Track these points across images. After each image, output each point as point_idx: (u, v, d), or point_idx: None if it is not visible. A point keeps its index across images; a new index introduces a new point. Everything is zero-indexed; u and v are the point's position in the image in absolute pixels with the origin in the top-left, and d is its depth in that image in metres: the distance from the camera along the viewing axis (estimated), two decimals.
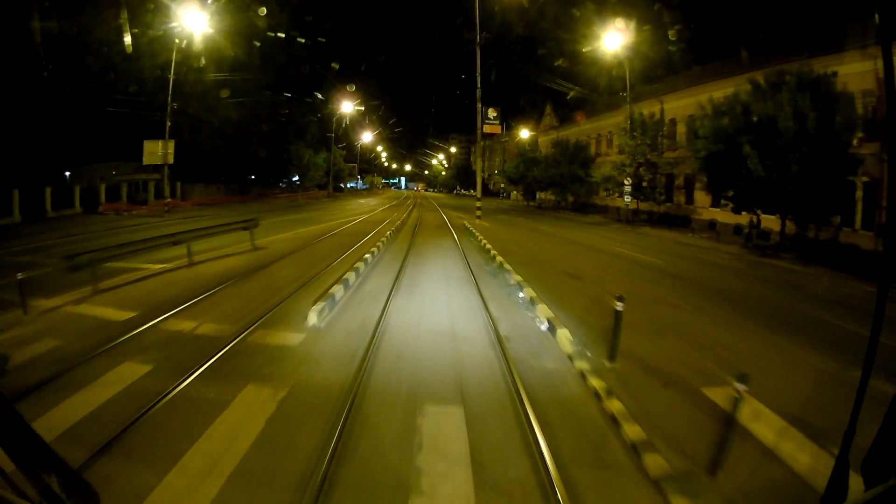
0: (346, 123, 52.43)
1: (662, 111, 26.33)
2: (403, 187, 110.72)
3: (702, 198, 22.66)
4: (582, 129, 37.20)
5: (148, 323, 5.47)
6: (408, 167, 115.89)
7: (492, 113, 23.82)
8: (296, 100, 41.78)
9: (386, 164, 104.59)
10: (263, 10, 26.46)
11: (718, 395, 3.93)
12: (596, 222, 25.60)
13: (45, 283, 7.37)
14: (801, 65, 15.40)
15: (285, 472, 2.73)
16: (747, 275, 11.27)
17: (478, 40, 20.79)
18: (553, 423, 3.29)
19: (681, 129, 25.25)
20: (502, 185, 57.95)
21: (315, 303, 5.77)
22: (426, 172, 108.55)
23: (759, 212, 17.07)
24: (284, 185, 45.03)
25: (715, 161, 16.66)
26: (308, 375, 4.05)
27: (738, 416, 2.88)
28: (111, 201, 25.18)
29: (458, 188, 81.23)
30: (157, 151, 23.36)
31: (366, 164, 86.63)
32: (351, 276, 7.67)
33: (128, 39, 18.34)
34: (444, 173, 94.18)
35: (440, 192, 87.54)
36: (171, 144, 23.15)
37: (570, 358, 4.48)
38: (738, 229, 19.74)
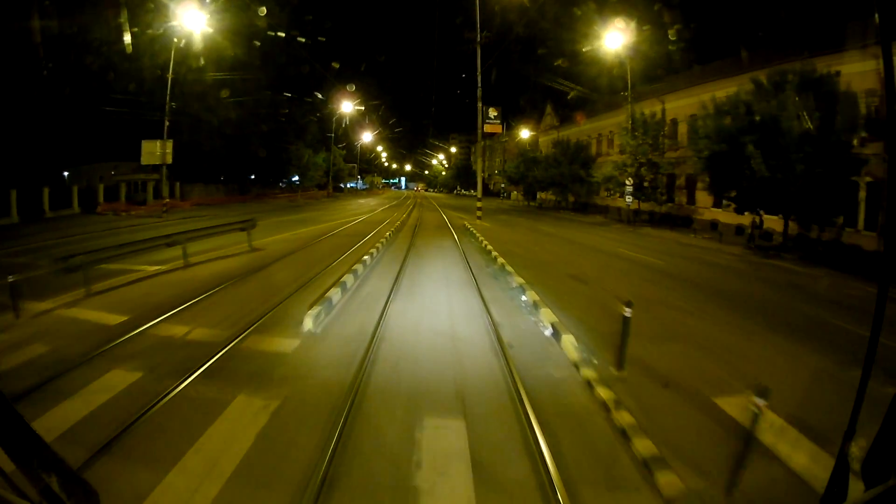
0: (345, 123, 52.30)
1: (664, 111, 26.17)
2: (403, 187, 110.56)
3: (703, 198, 22.51)
4: (582, 128, 37.03)
5: (140, 327, 5.32)
6: (408, 167, 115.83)
7: (492, 112, 23.66)
8: (296, 100, 41.66)
9: (386, 164, 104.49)
10: (263, 10, 26.34)
11: (731, 406, 3.77)
12: (597, 223, 25.44)
13: (38, 285, 7.23)
14: (803, 64, 15.27)
15: (276, 495, 2.56)
16: (751, 276, 11.14)
17: (478, 39, 20.64)
18: (560, 438, 3.13)
19: (682, 128, 25.11)
20: (503, 186, 57.80)
21: (311, 307, 5.59)
22: (426, 172, 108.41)
23: (761, 212, 16.93)
24: (284, 185, 44.86)
25: (718, 161, 16.51)
26: (302, 385, 3.89)
27: (757, 431, 2.71)
28: (110, 201, 25.04)
29: (458, 188, 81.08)
30: (156, 151, 23.21)
31: (366, 164, 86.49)
32: (349, 278, 7.51)
33: (127, 39, 18.19)
34: (444, 173, 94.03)
35: (440, 192, 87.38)
36: (170, 144, 23.00)
37: (576, 366, 4.32)
38: (740, 230, 19.60)
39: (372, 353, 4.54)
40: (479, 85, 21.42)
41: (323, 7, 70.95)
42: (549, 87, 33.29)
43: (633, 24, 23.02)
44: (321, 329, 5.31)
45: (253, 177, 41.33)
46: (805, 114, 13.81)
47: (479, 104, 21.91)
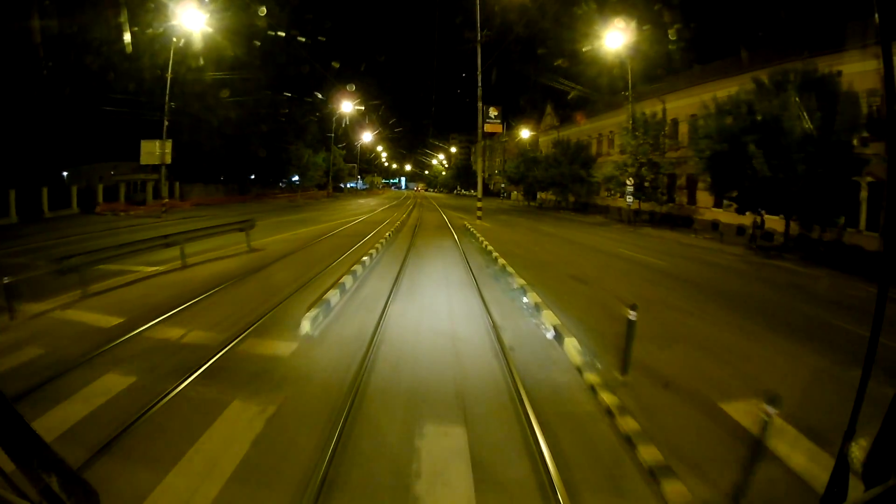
0: (345, 123, 52.23)
1: (664, 111, 26.08)
2: (403, 187, 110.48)
3: (704, 198, 22.43)
4: (582, 128, 36.95)
5: (135, 330, 5.24)
6: (408, 167, 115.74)
7: (493, 112, 23.56)
8: (296, 99, 41.59)
9: (386, 164, 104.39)
10: (263, 10, 26.29)
11: (736, 411, 3.69)
12: (597, 223, 25.36)
13: (35, 286, 7.16)
14: (805, 63, 15.20)
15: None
16: (753, 277, 11.06)
17: (478, 38, 20.55)
18: (563, 445, 3.05)
19: (683, 128, 25.04)
20: (503, 186, 57.72)
21: (309, 309, 5.51)
22: (426, 172, 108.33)
23: (762, 212, 16.85)
24: (284, 186, 44.76)
25: (719, 161, 16.43)
26: (298, 391, 3.80)
27: (767, 440, 2.63)
28: (109, 201, 24.96)
29: (458, 188, 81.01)
30: (155, 151, 23.12)
31: (366, 164, 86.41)
32: (348, 279, 7.42)
33: (127, 38, 18.14)
34: (444, 173, 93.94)
35: (440, 192, 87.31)
36: (169, 144, 22.91)
37: (579, 370, 4.23)
38: (741, 230, 19.53)
39: (370, 357, 4.46)
40: (480, 84, 21.36)
41: (323, 7, 70.94)
42: (550, 87, 33.22)
43: (633, 24, 22.97)
44: (319, 332, 5.22)
45: (253, 177, 41.24)
46: (806, 113, 13.74)
47: (480, 104, 21.83)
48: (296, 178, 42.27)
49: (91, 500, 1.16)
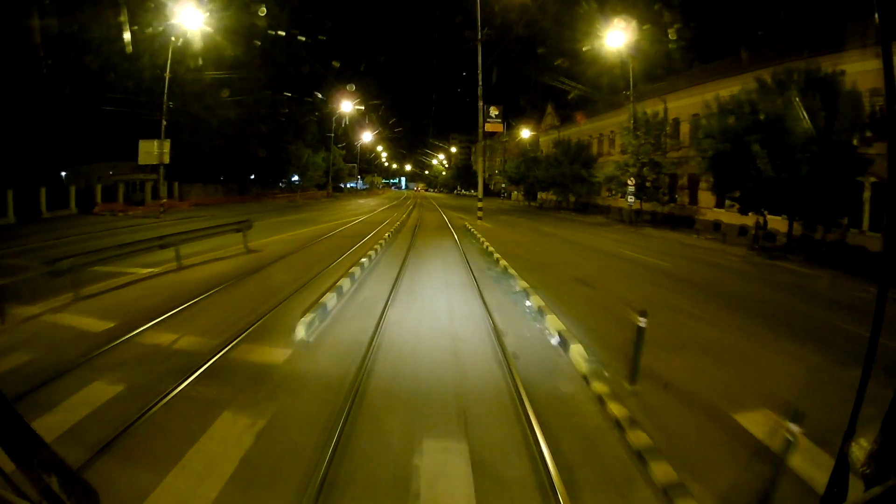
0: (345, 123, 52.08)
1: (666, 110, 25.90)
2: (404, 187, 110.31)
3: (706, 198, 22.27)
4: (583, 128, 36.78)
5: (125, 335, 5.08)
6: (408, 167, 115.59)
7: (493, 111, 23.37)
8: (295, 99, 41.45)
9: (386, 164, 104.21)
10: (263, 10, 26.17)
11: (751, 423, 3.52)
12: (598, 223, 25.18)
13: (28, 288, 7.02)
14: (808, 63, 15.04)
15: None
16: (759, 279, 10.90)
17: (479, 37, 20.37)
18: (571, 462, 2.87)
19: (684, 128, 24.88)
20: (503, 186, 57.58)
21: (304, 314, 5.32)
22: (426, 172, 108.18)
23: (765, 212, 16.69)
24: (284, 186, 44.58)
25: (722, 161, 16.27)
26: (291, 402, 3.62)
27: (790, 460, 2.46)
28: (107, 202, 24.81)
29: (458, 188, 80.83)
30: (153, 151, 22.93)
31: (366, 164, 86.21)
32: (345, 282, 7.24)
33: (127, 38, 18.01)
34: (444, 173, 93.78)
35: (440, 192, 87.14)
36: (167, 144, 22.73)
37: (586, 378, 4.05)
38: (743, 230, 19.37)
39: (367, 365, 4.27)
40: (480, 83, 21.16)
41: (323, 7, 70.79)
42: (550, 87, 33.11)
43: (634, 24, 22.81)
44: (314, 337, 5.04)
45: (252, 177, 41.07)
46: (810, 113, 13.58)
47: (480, 103, 21.64)
48: (295, 178, 42.09)
49: (91, 500, 1.15)
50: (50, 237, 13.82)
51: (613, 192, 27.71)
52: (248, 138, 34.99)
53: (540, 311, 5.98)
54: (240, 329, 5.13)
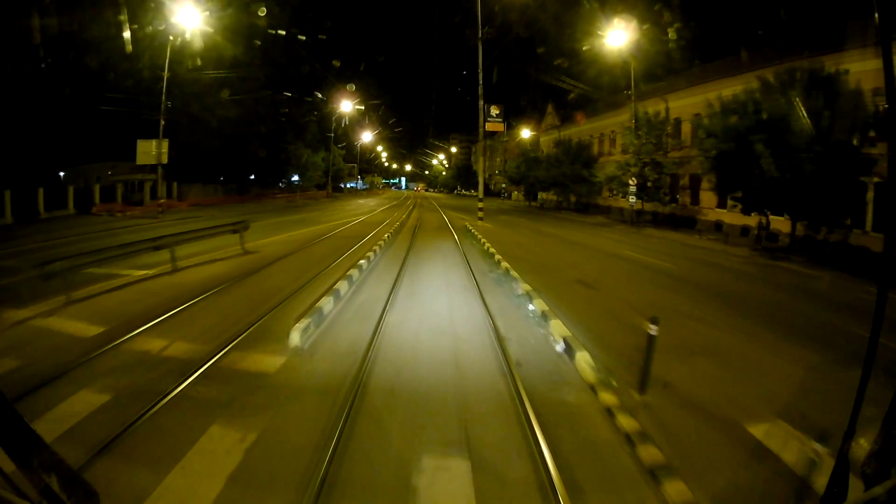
0: (345, 123, 51.96)
1: (667, 110, 25.72)
2: (404, 187, 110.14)
3: (708, 198, 22.11)
4: (583, 128, 36.60)
5: (115, 341, 4.92)
6: (408, 167, 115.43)
7: (494, 110, 23.19)
8: (295, 99, 41.32)
9: (386, 164, 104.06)
10: (263, 10, 26.04)
11: (766, 435, 3.36)
12: (600, 223, 25.01)
13: (20, 291, 6.87)
14: (811, 62, 14.89)
15: None
16: (763, 280, 10.74)
17: (480, 35, 20.19)
18: (580, 481, 2.70)
19: (686, 128, 24.70)
20: (503, 186, 57.43)
21: (299, 319, 5.14)
22: (426, 172, 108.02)
23: (768, 213, 16.54)
24: (283, 186, 44.41)
25: (725, 160, 16.10)
26: (283, 414, 3.44)
27: (814, 481, 2.29)
28: (106, 202, 24.67)
29: (458, 188, 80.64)
30: (151, 151, 22.76)
31: (366, 164, 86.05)
32: (343, 285, 7.06)
33: (127, 35, 17.87)
34: (444, 173, 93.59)
35: (440, 192, 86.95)
36: (165, 144, 22.56)
37: (593, 388, 3.87)
38: (744, 230, 19.23)
39: (364, 375, 4.09)
40: (481, 82, 20.96)
41: (323, 6, 70.65)
42: (550, 87, 32.93)
43: (634, 23, 22.65)
44: (309, 344, 4.85)
45: (252, 177, 40.89)
46: (814, 113, 13.42)
47: (481, 102, 21.44)
48: (295, 178, 41.93)
49: (91, 500, 1.15)
50: (47, 238, 13.70)
51: (615, 193, 27.57)
52: (248, 138, 34.82)
53: (543, 316, 5.80)
54: (232, 335, 4.96)
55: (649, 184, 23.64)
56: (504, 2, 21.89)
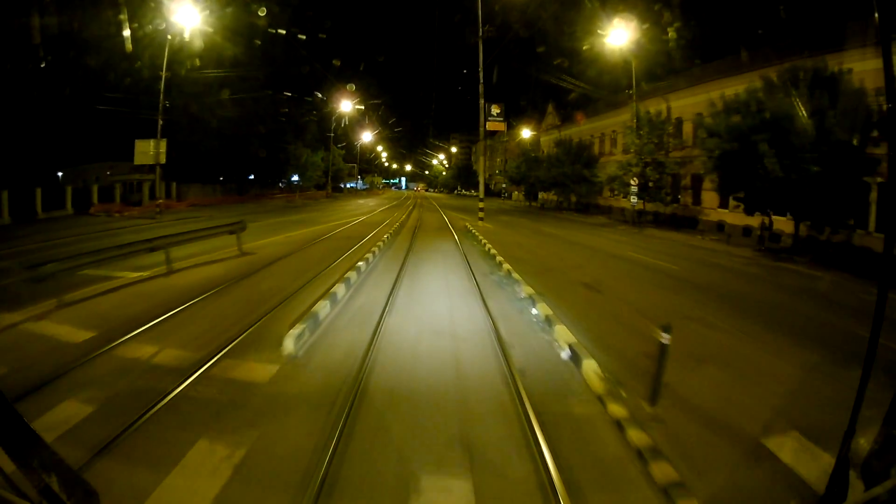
0: (345, 123, 51.80)
1: (669, 109, 25.55)
2: (404, 187, 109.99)
3: (710, 198, 21.95)
4: (584, 128, 36.43)
5: (105, 347, 4.76)
6: (408, 167, 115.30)
7: (495, 109, 23.00)
8: (295, 99, 41.18)
9: (386, 164, 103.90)
10: (263, 10, 25.91)
11: (782, 448, 3.19)
12: (601, 223, 24.83)
13: (12, 293, 6.64)
14: (815, 61, 14.74)
15: None
16: (769, 282, 10.59)
17: (480, 34, 20.01)
18: (589, 502, 2.52)
19: (687, 128, 24.54)
20: (503, 186, 57.31)
21: (293, 325, 4.95)
22: (426, 172, 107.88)
23: (770, 213, 16.39)
24: (283, 186, 44.24)
25: (728, 160, 15.93)
26: (275, 428, 3.26)
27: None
28: (104, 202, 24.52)
29: (458, 188, 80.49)
30: (149, 151, 22.60)
31: (366, 164, 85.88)
32: (340, 288, 6.87)
33: (127, 34, 17.75)
34: (444, 173, 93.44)
35: (441, 192, 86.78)
36: (163, 144, 22.40)
37: (601, 399, 3.69)
38: (747, 231, 19.08)
39: (361, 385, 3.91)
40: (482, 81, 20.77)
41: (323, 6, 70.54)
42: (551, 87, 32.78)
43: (635, 22, 22.50)
44: (304, 351, 4.66)
45: (252, 177, 40.72)
46: (819, 112, 13.26)
47: (482, 101, 21.25)
48: (295, 178, 41.76)
49: (91, 499, 1.15)
50: (42, 238, 13.55)
51: (616, 193, 27.41)
52: (248, 138, 34.66)
53: (548, 321, 5.62)
54: (224, 341, 4.78)
55: (651, 184, 23.48)
56: (504, 1, 21.74)
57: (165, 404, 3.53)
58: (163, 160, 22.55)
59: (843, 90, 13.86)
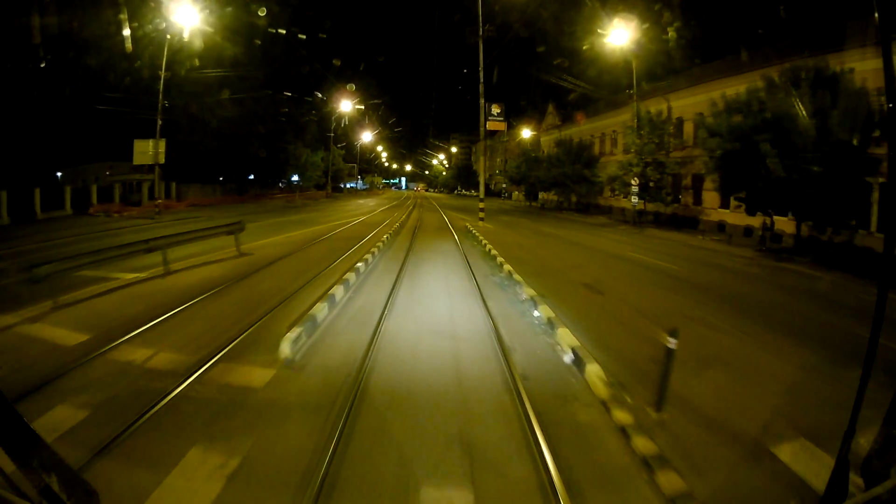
0: (345, 123, 51.72)
1: (669, 109, 25.46)
2: (404, 187, 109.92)
3: (710, 198, 21.87)
4: (584, 128, 36.34)
5: (99, 350, 4.68)
6: (408, 167, 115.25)
7: (495, 109, 22.92)
8: (295, 99, 41.10)
9: (386, 164, 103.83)
10: (263, 10, 25.84)
11: (790, 456, 3.11)
12: (601, 223, 24.75)
13: (7, 295, 6.54)
14: (817, 60, 14.66)
15: None
16: (772, 283, 10.51)
17: (480, 33, 19.92)
18: None
19: (688, 127, 24.46)
20: (503, 186, 57.23)
21: (290, 328, 4.85)
22: (427, 172, 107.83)
23: (772, 213, 16.31)
24: (283, 186, 44.15)
25: (730, 160, 15.85)
26: (270, 435, 3.17)
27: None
28: (103, 202, 24.45)
29: (458, 188, 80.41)
30: (148, 151, 22.53)
31: (366, 164, 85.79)
32: (339, 290, 6.78)
33: (127, 32, 17.68)
34: (444, 173, 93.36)
35: (441, 192, 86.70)
36: (162, 143, 22.32)
37: (605, 404, 3.60)
38: (748, 231, 19.00)
39: (359, 390, 3.81)
40: (482, 80, 20.68)
41: (323, 6, 70.47)
42: (551, 87, 32.69)
43: (635, 22, 22.42)
44: (301, 355, 4.56)
45: (251, 177, 40.63)
46: (821, 112, 13.18)
47: (482, 100, 21.16)
48: (295, 178, 41.67)
49: (91, 499, 1.15)
50: (40, 239, 13.49)
51: (616, 193, 27.33)
52: (247, 138, 34.58)
53: (550, 323, 5.53)
54: (221, 344, 4.69)
55: (651, 184, 23.39)
56: (504, 1, 21.65)
57: (158, 410, 3.44)
58: (162, 160, 22.48)
59: (844, 90, 13.78)
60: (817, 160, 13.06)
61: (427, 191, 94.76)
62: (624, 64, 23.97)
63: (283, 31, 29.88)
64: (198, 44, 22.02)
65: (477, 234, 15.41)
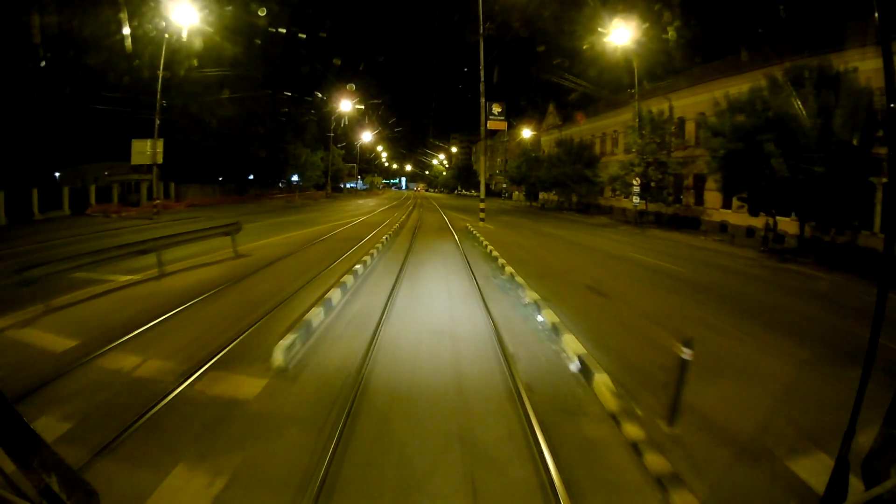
0: (345, 123, 51.59)
1: (671, 109, 25.29)
2: (404, 187, 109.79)
3: (712, 199, 21.71)
4: (585, 128, 36.18)
5: (87, 357, 4.52)
6: (408, 167, 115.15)
7: (496, 108, 22.76)
8: (295, 99, 40.98)
9: (386, 164, 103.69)
10: (263, 10, 25.71)
11: (808, 472, 2.94)
12: (602, 224, 24.57)
13: (1, 297, 6.40)
14: (820, 59, 14.51)
15: None
16: (777, 284, 10.36)
17: (481, 31, 19.76)
18: None
19: (690, 127, 24.29)
20: (504, 186, 57.09)
21: (284, 335, 4.66)
22: (427, 172, 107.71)
23: (775, 213, 16.15)
24: (283, 186, 43.99)
25: (733, 160, 15.68)
26: (260, 452, 2.99)
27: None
28: (102, 202, 24.32)
29: (458, 188, 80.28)
30: (146, 151, 22.36)
31: (366, 164, 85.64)
32: (335, 293, 6.60)
33: (127, 32, 17.59)
34: (444, 173, 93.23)
35: (441, 192, 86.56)
36: (160, 143, 22.15)
37: (615, 417, 3.42)
38: (750, 231, 18.85)
39: (355, 401, 3.63)
40: (482, 79, 20.50)
41: (323, 6, 70.35)
42: (551, 87, 32.59)
43: (636, 22, 22.28)
44: (295, 363, 4.37)
45: (251, 177, 40.48)
46: (826, 112, 13.03)
47: (483, 99, 20.98)
48: (295, 178, 41.52)
49: (91, 499, 1.14)
50: (38, 239, 13.32)
51: (617, 193, 27.16)
52: (247, 138, 34.44)
53: (554, 329, 5.35)
54: (212, 351, 4.51)
55: (653, 184, 23.23)
56: (504, 1, 21.49)
57: (143, 423, 3.27)
58: (160, 160, 22.31)
59: (848, 89, 13.62)
60: (821, 160, 12.92)
61: (427, 191, 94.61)
62: (625, 63, 23.83)
63: (283, 31, 29.78)
64: (197, 43, 21.92)
65: (477, 234, 15.24)
